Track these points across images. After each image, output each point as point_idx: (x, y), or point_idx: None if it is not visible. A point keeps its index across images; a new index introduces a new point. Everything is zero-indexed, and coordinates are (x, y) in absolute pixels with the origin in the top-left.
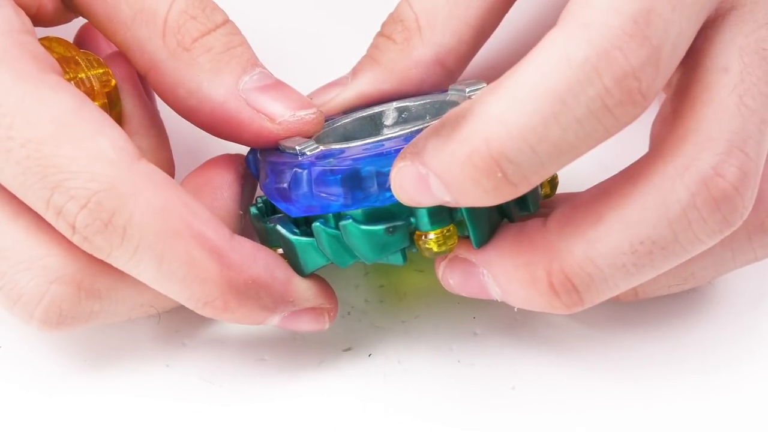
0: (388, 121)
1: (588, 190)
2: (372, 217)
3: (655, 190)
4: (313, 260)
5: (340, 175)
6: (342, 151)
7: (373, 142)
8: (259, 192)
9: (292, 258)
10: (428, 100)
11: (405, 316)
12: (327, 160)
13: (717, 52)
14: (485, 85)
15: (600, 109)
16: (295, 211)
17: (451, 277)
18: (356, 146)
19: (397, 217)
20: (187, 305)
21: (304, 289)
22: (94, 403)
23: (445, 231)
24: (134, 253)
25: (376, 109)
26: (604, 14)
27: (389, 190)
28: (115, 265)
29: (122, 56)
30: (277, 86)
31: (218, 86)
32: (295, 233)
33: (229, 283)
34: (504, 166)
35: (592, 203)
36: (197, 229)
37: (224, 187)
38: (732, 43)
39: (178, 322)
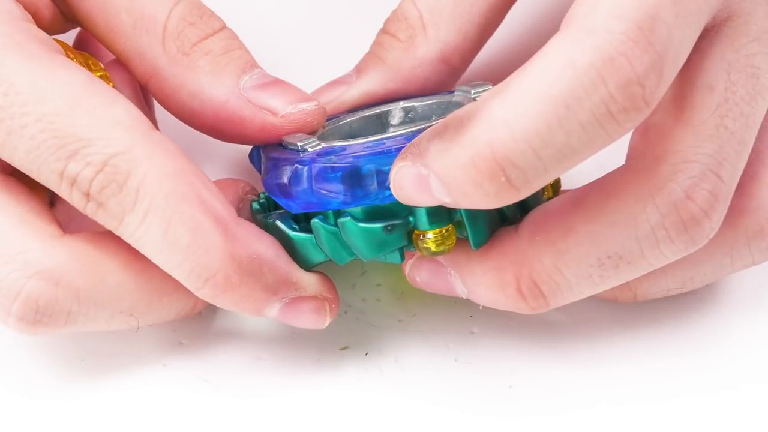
0: (394, 121)
1: (560, 197)
2: (371, 215)
3: (627, 209)
4: (311, 256)
5: (340, 173)
6: (343, 148)
7: (374, 141)
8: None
9: (291, 254)
10: (435, 100)
11: (402, 315)
12: (327, 157)
13: (705, 67)
14: (490, 86)
15: (604, 115)
16: (295, 208)
17: (418, 275)
18: (357, 144)
19: (396, 215)
20: (187, 284)
21: (306, 274)
22: (91, 402)
23: (443, 231)
24: (144, 217)
25: (383, 108)
26: (609, 20)
27: (389, 188)
28: (124, 236)
29: (121, 63)
30: (277, 83)
31: (219, 87)
32: (294, 229)
33: (233, 256)
34: (507, 170)
35: (564, 214)
36: (205, 198)
37: (229, 195)
38: (721, 59)
39: (175, 322)
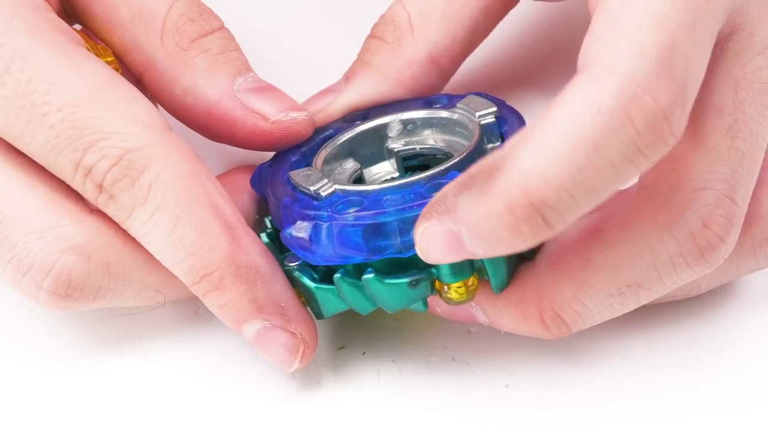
0: (392, 133)
1: (577, 229)
2: (393, 268)
3: (645, 238)
4: (332, 306)
5: (361, 229)
6: (362, 197)
7: (393, 187)
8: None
9: (310, 303)
10: (434, 115)
11: (399, 315)
12: (348, 213)
13: (713, 86)
14: (495, 109)
15: (633, 153)
16: (315, 260)
17: (438, 306)
18: (374, 191)
19: (418, 267)
20: (184, 279)
21: (296, 307)
22: (87, 401)
23: (467, 282)
24: (153, 213)
25: (380, 120)
26: (630, 59)
27: (412, 242)
28: (131, 230)
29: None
30: (270, 89)
31: (214, 86)
32: (314, 279)
33: (233, 259)
34: (544, 212)
35: (582, 245)
36: (216, 201)
37: (244, 190)
38: (728, 76)
39: (172, 321)
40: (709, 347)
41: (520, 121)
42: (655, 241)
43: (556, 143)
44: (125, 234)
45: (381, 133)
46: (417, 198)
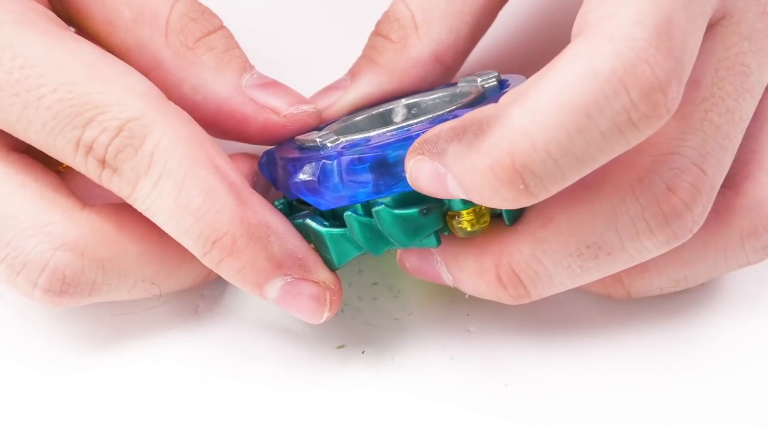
0: (397, 118)
1: None
2: (403, 202)
3: (606, 199)
4: (345, 251)
5: (368, 163)
6: (367, 139)
7: (397, 128)
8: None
9: (323, 251)
10: (437, 95)
11: (398, 314)
12: (354, 149)
13: (694, 64)
14: (496, 74)
15: (625, 123)
16: (325, 204)
17: (407, 261)
18: (381, 133)
19: (428, 198)
20: (195, 249)
21: (314, 257)
22: (85, 399)
23: (477, 210)
24: (158, 180)
25: (385, 106)
26: (630, 27)
27: None
28: (137, 203)
29: None
30: (276, 84)
31: (222, 83)
32: (325, 225)
33: (242, 219)
34: (526, 178)
35: (545, 203)
36: (219, 163)
37: (243, 169)
38: (711, 55)
39: (170, 319)
40: (710, 348)
41: (523, 80)
42: (617, 203)
43: (546, 105)
44: (119, 228)
45: (386, 118)
46: (422, 131)
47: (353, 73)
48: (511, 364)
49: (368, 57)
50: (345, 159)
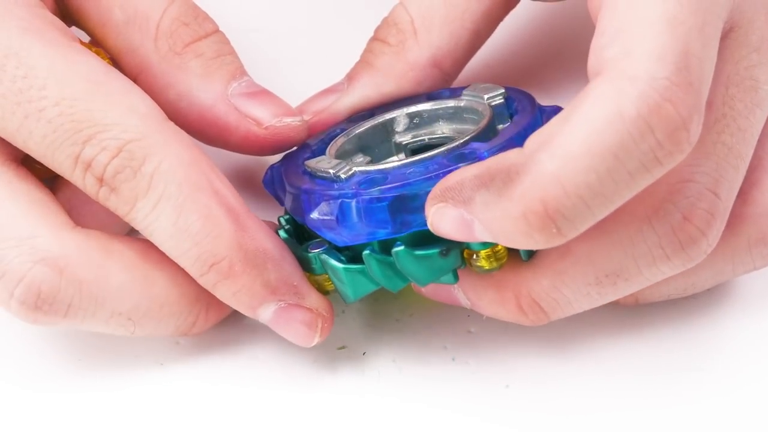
0: (399, 128)
1: None
2: (421, 241)
3: (624, 229)
4: (361, 287)
5: (386, 202)
6: (384, 176)
7: (413, 162)
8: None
9: (339, 285)
10: (441, 106)
11: (399, 315)
12: (372, 189)
13: None
14: (503, 91)
15: (651, 162)
16: (342, 241)
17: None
18: (397, 167)
19: (445, 238)
20: (192, 270)
21: (308, 286)
22: (88, 401)
23: (496, 249)
24: (156, 203)
25: (386, 115)
26: (650, 65)
27: None
28: (134, 223)
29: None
30: (264, 93)
31: (207, 90)
32: (342, 261)
33: (240, 245)
34: (558, 222)
35: None
36: (219, 188)
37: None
38: (720, 72)
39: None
40: (710, 348)
41: (530, 100)
42: (634, 233)
43: (575, 151)
44: (105, 255)
45: (388, 128)
46: (440, 168)
47: (350, 77)
48: (512, 365)
49: (366, 61)
50: (364, 200)
